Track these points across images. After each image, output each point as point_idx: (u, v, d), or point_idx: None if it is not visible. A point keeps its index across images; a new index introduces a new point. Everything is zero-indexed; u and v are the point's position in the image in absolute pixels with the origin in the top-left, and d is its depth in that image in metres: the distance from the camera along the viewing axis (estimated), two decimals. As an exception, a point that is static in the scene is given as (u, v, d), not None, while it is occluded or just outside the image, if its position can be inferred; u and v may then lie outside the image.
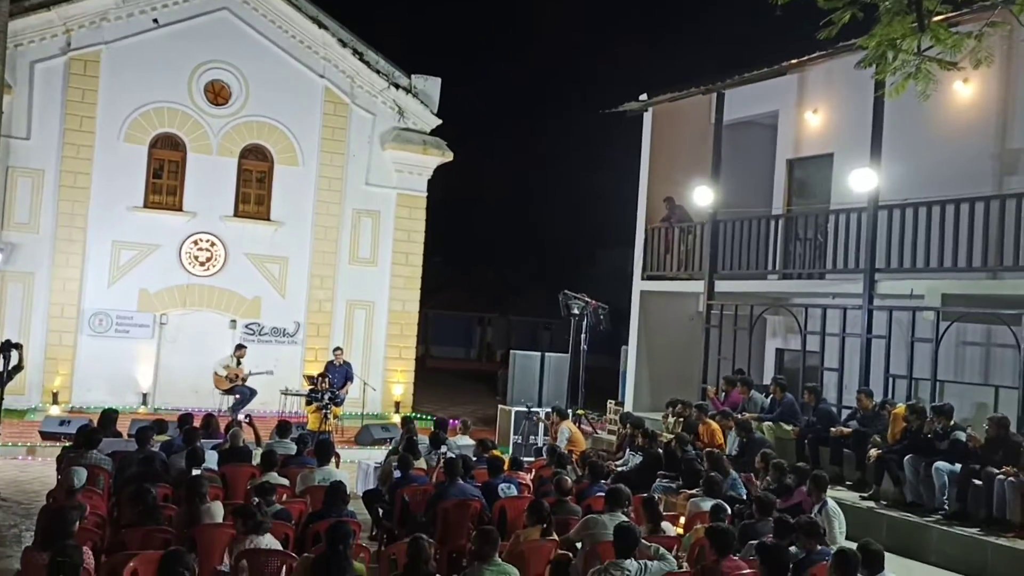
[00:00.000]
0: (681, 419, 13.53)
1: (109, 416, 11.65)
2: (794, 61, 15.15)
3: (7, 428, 13.34)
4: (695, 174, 16.92)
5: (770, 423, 12.88)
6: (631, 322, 18.56)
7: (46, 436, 14.62)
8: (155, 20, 18.80)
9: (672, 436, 12.75)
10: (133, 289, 18.65)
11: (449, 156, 20.96)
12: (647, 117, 18.58)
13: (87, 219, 18.30)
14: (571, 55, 45.73)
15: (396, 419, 18.22)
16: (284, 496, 8.97)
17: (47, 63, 18.10)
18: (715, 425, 12.79)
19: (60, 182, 18.14)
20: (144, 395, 18.43)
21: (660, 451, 12.12)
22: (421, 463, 11.02)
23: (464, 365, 39.74)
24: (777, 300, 15.85)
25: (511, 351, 20.10)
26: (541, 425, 16.31)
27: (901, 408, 11.40)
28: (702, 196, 16.26)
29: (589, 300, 17.40)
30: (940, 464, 10.25)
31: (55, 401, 17.42)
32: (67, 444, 11.82)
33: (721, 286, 16.30)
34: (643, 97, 18.21)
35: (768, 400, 13.53)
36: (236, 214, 19.47)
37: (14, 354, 12.14)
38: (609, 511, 7.97)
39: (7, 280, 17.71)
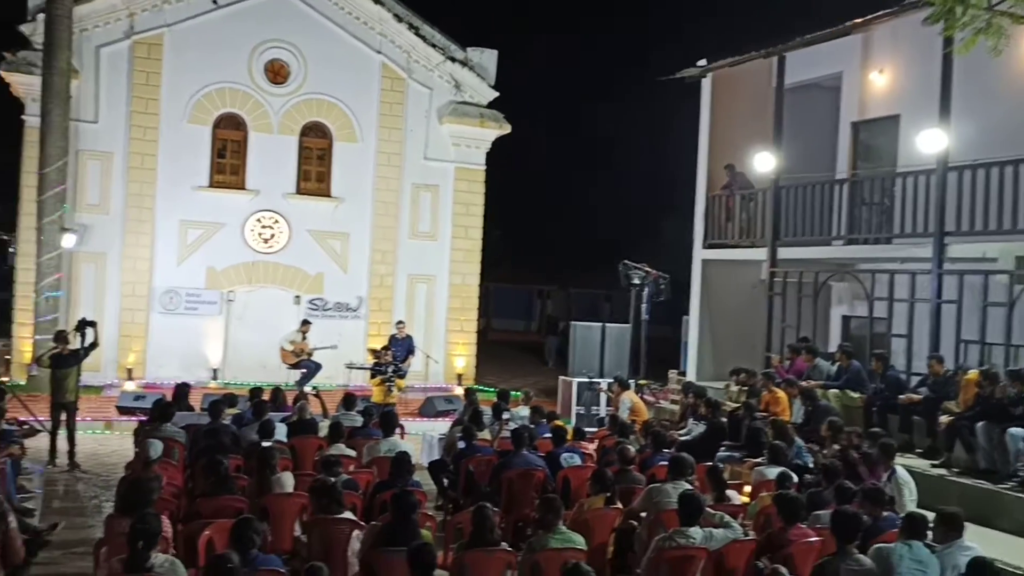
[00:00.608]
0: (745, 388, 13.42)
1: (182, 390, 12.00)
2: (858, 20, 14.73)
3: (85, 404, 13.77)
4: (756, 140, 16.64)
5: (836, 391, 12.69)
6: (692, 291, 18.41)
7: (123, 411, 15.08)
8: (215, 1, 19.04)
9: (737, 405, 12.66)
10: (201, 267, 19.07)
11: (507, 128, 20.92)
12: (706, 83, 18.29)
13: (155, 199, 18.74)
14: (626, 22, 45.09)
15: (459, 391, 18.39)
16: (351, 467, 9.15)
17: (112, 47, 18.49)
18: (780, 393, 12.65)
19: (128, 164, 18.58)
20: (214, 370, 18.89)
21: (724, 420, 12.05)
22: (484, 434, 11.12)
23: (525, 337, 39.80)
24: (842, 266, 15.56)
25: (570, 322, 20.10)
26: (603, 396, 16.31)
27: (974, 374, 11.15)
28: (763, 162, 15.99)
29: (649, 270, 17.28)
30: (1014, 430, 10.00)
31: (130, 377, 17.95)
32: (143, 418, 12.19)
33: (784, 253, 16.06)
34: (701, 63, 17.92)
35: (834, 368, 13.34)
36: (298, 191, 19.74)
37: (89, 332, 12.52)
38: (672, 480, 7.96)
39: (81, 261, 18.24)
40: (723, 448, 11.28)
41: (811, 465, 9.76)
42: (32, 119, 17.56)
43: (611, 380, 15.36)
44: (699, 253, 18.27)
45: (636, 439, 10.96)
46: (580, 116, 41.22)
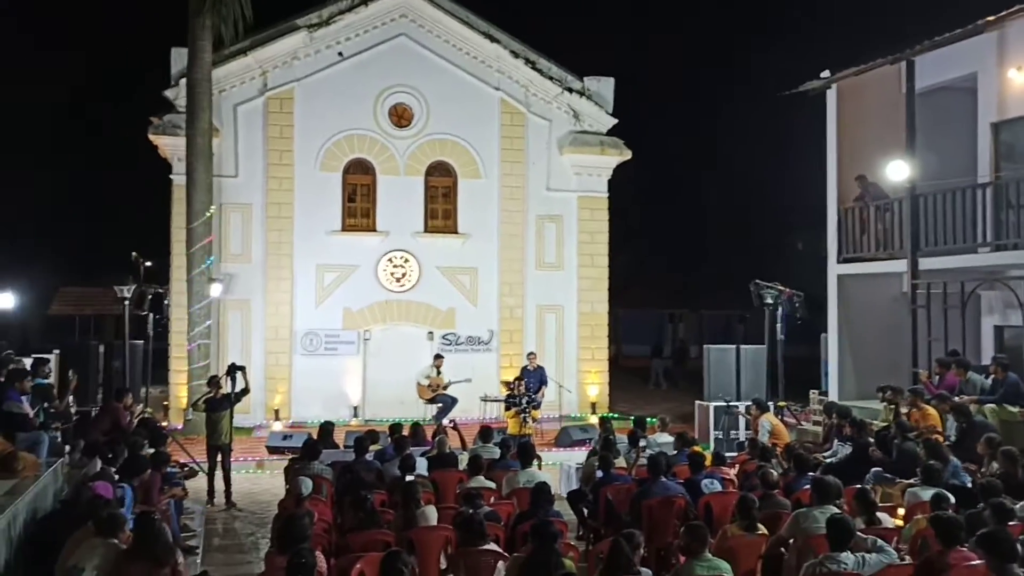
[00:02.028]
0: (892, 406, 12.89)
1: (326, 429, 12.43)
2: (991, 18, 14.10)
3: (238, 444, 14.43)
4: (887, 148, 16.07)
5: (993, 406, 12.03)
6: (829, 308, 17.83)
7: (272, 450, 15.71)
8: (340, 53, 19.92)
9: (885, 423, 12.17)
10: (338, 308, 19.79)
11: (627, 154, 20.93)
12: (830, 94, 17.81)
13: (292, 246, 19.60)
14: (740, 39, 44.44)
15: (593, 420, 18.34)
16: (492, 499, 9.26)
17: (248, 105, 19.56)
18: (931, 410, 12.10)
19: (267, 213, 19.53)
20: (355, 408, 19.49)
21: (871, 440, 11.60)
22: (620, 462, 11.06)
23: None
24: (991, 274, 14.78)
25: (704, 345, 19.73)
26: (741, 419, 15.96)
27: None
28: (897, 171, 15.43)
29: (782, 288, 16.86)
30: None
31: (277, 417, 18.73)
32: (292, 457, 12.68)
33: (926, 263, 15.39)
34: (825, 74, 17.48)
35: (988, 381, 12.65)
36: (426, 230, 20.27)
37: (239, 377, 13.15)
38: (819, 504, 7.72)
39: (228, 308, 19.22)
40: (872, 470, 10.85)
41: (969, 485, 9.27)
42: (179, 177, 18.70)
43: (749, 403, 15.04)
44: (834, 268, 17.70)
45: (779, 462, 10.68)
46: (702, 136, 40.76)
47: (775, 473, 9.30)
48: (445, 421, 16.08)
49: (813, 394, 18.17)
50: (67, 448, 11.81)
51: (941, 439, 11.01)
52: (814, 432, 15.18)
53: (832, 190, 17.81)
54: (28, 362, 13.66)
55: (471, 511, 7.53)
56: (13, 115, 31.91)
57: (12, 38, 36.63)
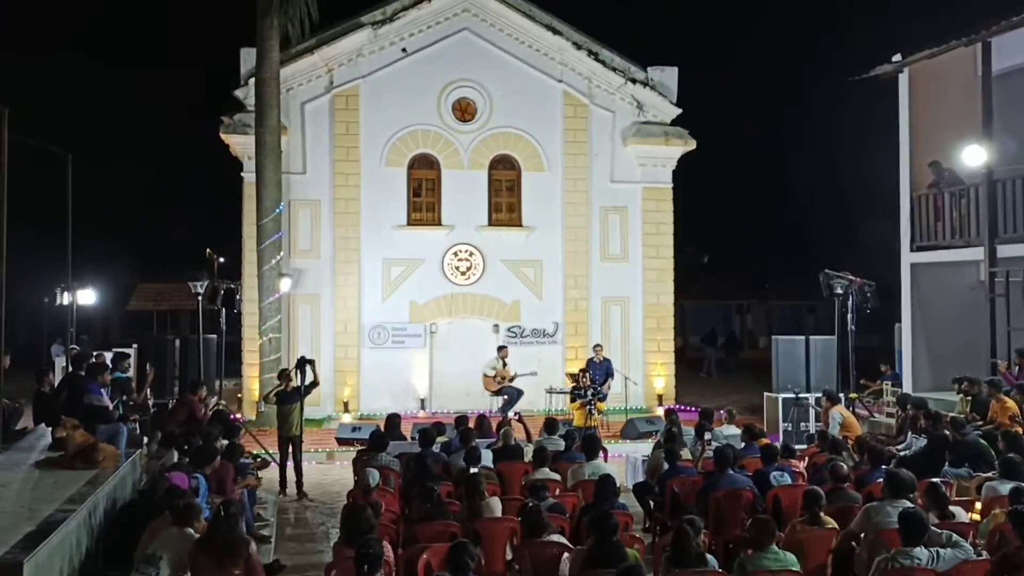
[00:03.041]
0: (969, 397, 12.55)
1: (393, 421, 12.58)
2: (1072, -6, 13.59)
3: (309, 436, 14.69)
4: (963, 133, 15.61)
5: (1076, 397, 11.63)
6: (902, 297, 17.42)
7: (342, 442, 15.96)
8: (404, 50, 20.10)
9: (961, 415, 11.86)
10: (404, 302, 20.00)
11: (692, 144, 20.71)
12: (903, 78, 17.37)
13: (360, 241, 19.87)
14: (808, 24, 43.57)
15: (660, 412, 18.23)
16: (557, 490, 9.28)
17: (315, 102, 19.86)
18: (1010, 402, 11.74)
19: (334, 209, 19.83)
20: (422, 400, 19.70)
21: (947, 433, 11.30)
22: (686, 454, 10.98)
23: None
24: (1073, 261, 14.28)
25: (772, 336, 19.46)
26: (811, 411, 15.70)
27: None
28: (973, 156, 14.98)
29: (853, 278, 16.51)
30: None
31: (346, 409, 19.02)
32: (360, 448, 12.88)
33: (1004, 251, 14.93)
34: (896, 58, 17.05)
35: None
36: (490, 223, 20.35)
37: (308, 370, 13.40)
38: (891, 498, 7.56)
39: (297, 303, 19.58)
40: (948, 463, 10.57)
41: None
42: (249, 175, 19.10)
43: (819, 395, 14.79)
44: (907, 257, 17.28)
45: (850, 455, 10.48)
46: (769, 123, 40.12)
47: (845, 466, 9.14)
48: (510, 413, 16.16)
49: (887, 385, 17.78)
50: (145, 440, 12.20)
51: (1021, 431, 10.67)
52: (887, 424, 14.85)
53: (905, 177, 17.39)
54: (108, 356, 14.14)
55: (533, 503, 7.55)
56: (92, 117, 32.97)
57: (90, 44, 37.85)
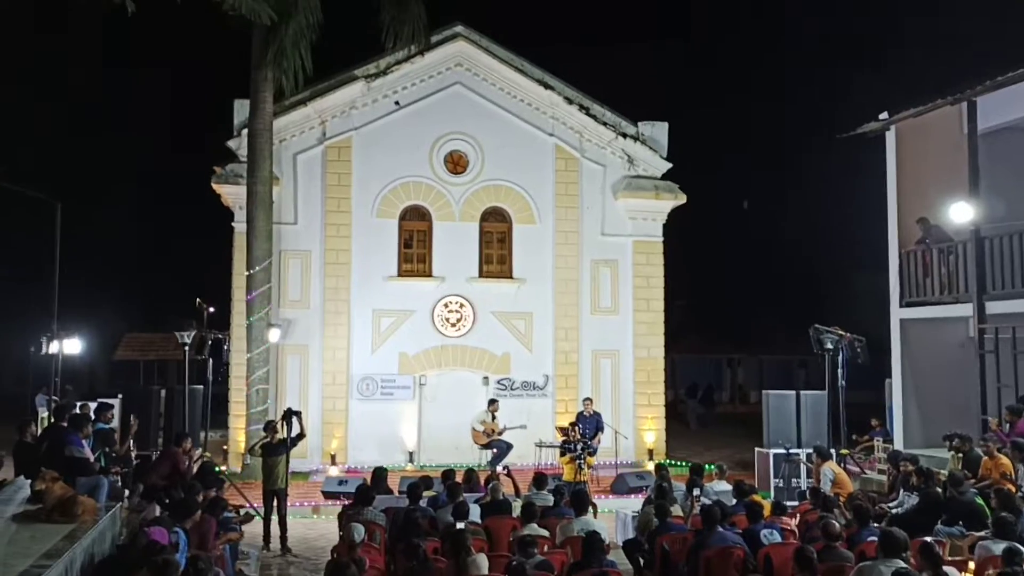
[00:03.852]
0: (960, 454, 12.46)
1: (380, 474, 12.41)
2: (1055, 56, 13.82)
3: (294, 489, 14.49)
4: (950, 190, 15.75)
5: (1067, 455, 11.54)
6: (892, 353, 17.41)
7: (328, 495, 15.75)
8: (396, 103, 20.28)
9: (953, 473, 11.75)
10: (394, 353, 19.90)
11: (682, 199, 20.85)
12: (889, 136, 17.58)
13: (350, 292, 19.83)
14: (794, 83, 44.20)
15: (650, 466, 18.06)
16: (545, 547, 9.13)
17: (307, 153, 19.98)
18: (1004, 459, 11.65)
19: (325, 260, 19.82)
20: (410, 453, 19.49)
21: (939, 491, 11.20)
22: (676, 510, 10.84)
23: (716, 409, 38.73)
24: (1062, 318, 14.31)
25: (763, 390, 19.38)
26: (802, 467, 15.57)
27: None
28: (960, 212, 15.10)
29: (843, 333, 16.50)
30: None
31: (333, 462, 18.79)
32: (346, 503, 12.69)
33: (993, 307, 14.97)
34: (883, 116, 17.27)
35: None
36: (481, 275, 20.35)
37: (295, 422, 13.24)
38: (884, 557, 7.45)
39: (286, 353, 19.46)
40: (940, 521, 10.46)
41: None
42: (240, 225, 19.11)
43: (810, 450, 14.69)
44: (897, 312, 17.31)
45: (841, 513, 10.36)
46: (757, 179, 40.50)
47: (838, 524, 9.01)
48: (499, 467, 15.98)
49: (877, 441, 17.67)
50: (126, 492, 11.97)
51: (1014, 489, 10.58)
52: (879, 481, 14.72)
53: (893, 233, 17.50)
54: (93, 406, 13.95)
55: (520, 560, 7.41)
56: (82, 166, 33.05)
57: (80, 90, 38.09)
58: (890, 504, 11.80)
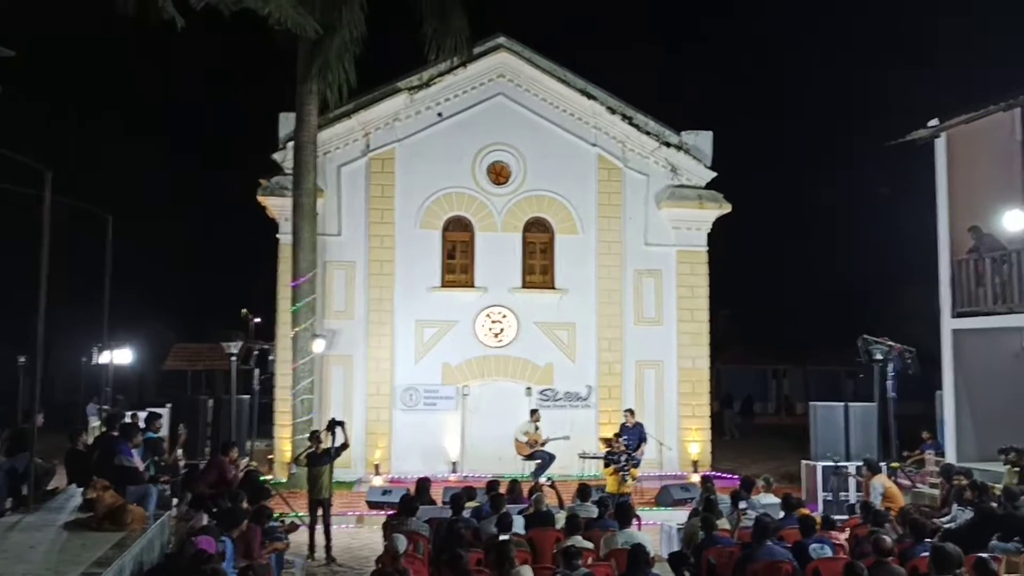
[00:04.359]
0: (1017, 468, 12.15)
1: (424, 485, 12.43)
2: (1112, 59, 13.47)
3: (338, 499, 14.57)
4: (1002, 198, 15.43)
5: None
6: (943, 364, 17.03)
7: (372, 505, 15.82)
8: (439, 114, 20.40)
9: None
10: (437, 364, 19.95)
11: (727, 208, 20.66)
12: (939, 143, 17.22)
13: (393, 303, 19.93)
14: (842, 90, 43.72)
15: (695, 478, 17.86)
16: (589, 559, 9.05)
17: (351, 165, 20.16)
18: (1059, 474, 11.34)
19: (369, 271, 19.95)
20: (453, 463, 19.50)
21: (994, 505, 10.92)
22: (723, 523, 10.70)
23: (762, 420, 38.32)
24: (1121, 328, 13.90)
25: (810, 402, 19.11)
26: (851, 481, 15.29)
27: None
28: (1014, 220, 14.77)
29: (892, 344, 16.21)
30: None
31: (377, 472, 18.86)
32: (389, 513, 12.72)
33: (1049, 317, 14.58)
34: (933, 123, 16.94)
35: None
36: (523, 285, 20.34)
37: (339, 431, 13.32)
38: (936, 574, 7.27)
39: (330, 363, 19.60)
40: (995, 537, 10.19)
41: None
42: (285, 237, 19.32)
43: (859, 463, 14.44)
44: (948, 323, 16.94)
45: (893, 528, 10.15)
46: (804, 188, 40.03)
47: (889, 539, 8.82)
48: (542, 478, 15.92)
49: (929, 455, 17.31)
50: (175, 501, 12.13)
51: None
52: (931, 495, 14.41)
53: (944, 242, 17.14)
54: (143, 415, 14.17)
55: (564, 572, 7.35)
56: (131, 179, 33.69)
57: (134, 106, 38.89)
58: (943, 519, 11.53)
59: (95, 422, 18.24)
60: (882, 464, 14.52)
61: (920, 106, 18.89)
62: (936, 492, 14.06)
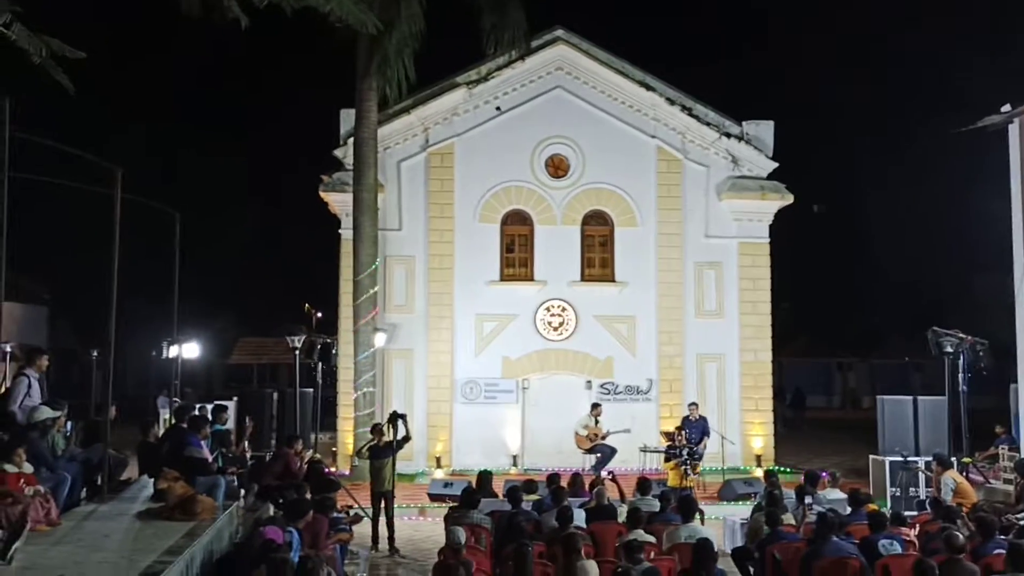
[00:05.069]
0: (1094, 464, 11.75)
1: (485, 477, 12.50)
2: None
3: (401, 491, 14.69)
4: (1080, 184, 14.88)
5: None
6: (1018, 357, 16.53)
7: (434, 497, 15.93)
8: (498, 108, 20.41)
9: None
10: (497, 357, 20.00)
11: (789, 199, 20.33)
12: (1012, 129, 16.70)
13: (453, 296, 20.04)
14: (907, 77, 42.67)
15: (758, 473, 17.65)
16: (652, 553, 9.01)
17: (410, 160, 20.30)
18: None
19: (429, 265, 20.09)
20: (514, 456, 19.53)
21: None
22: (788, 518, 10.55)
23: (826, 414, 37.69)
24: None
25: (876, 395, 18.74)
26: (921, 476, 14.96)
27: None
28: (1092, 207, 14.24)
29: (963, 336, 15.79)
30: None
31: (438, 465, 19.01)
32: (452, 505, 12.80)
33: None
34: (1005, 108, 16.43)
35: None
36: (583, 279, 20.27)
37: (401, 425, 13.44)
38: (1012, 572, 7.08)
39: (392, 357, 19.78)
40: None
41: None
42: (346, 232, 19.54)
43: (929, 459, 14.12)
44: (1023, 314, 16.44)
45: (964, 524, 9.90)
46: (869, 177, 39.20)
47: (961, 536, 8.61)
48: (603, 472, 15.87)
49: (1003, 450, 16.84)
50: (242, 492, 12.37)
51: None
52: (1005, 491, 14.02)
53: (1018, 230, 16.63)
54: (210, 408, 14.49)
55: (626, 566, 7.33)
56: (198, 177, 34.43)
57: (200, 106, 39.73)
58: (1018, 515, 11.21)
59: (165, 414, 18.71)
60: (953, 459, 14.17)
61: (991, 90, 18.34)
62: (1010, 488, 13.68)
